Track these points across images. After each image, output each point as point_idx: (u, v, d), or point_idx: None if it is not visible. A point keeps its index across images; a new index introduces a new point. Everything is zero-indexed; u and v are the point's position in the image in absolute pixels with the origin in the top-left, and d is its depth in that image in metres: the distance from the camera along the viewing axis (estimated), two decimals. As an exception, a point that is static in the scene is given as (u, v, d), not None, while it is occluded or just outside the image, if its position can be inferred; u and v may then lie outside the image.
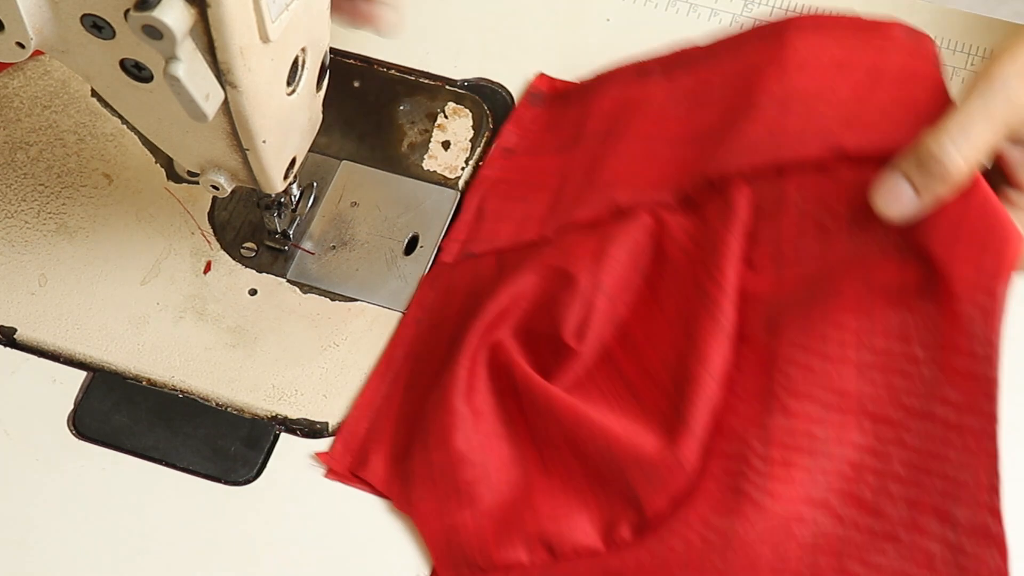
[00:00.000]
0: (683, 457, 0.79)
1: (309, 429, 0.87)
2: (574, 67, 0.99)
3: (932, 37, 0.87)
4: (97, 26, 0.71)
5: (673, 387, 0.81)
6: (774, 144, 0.83)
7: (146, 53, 0.71)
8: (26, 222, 0.94)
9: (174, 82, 0.67)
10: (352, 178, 0.95)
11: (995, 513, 0.74)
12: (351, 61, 1.00)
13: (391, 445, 0.85)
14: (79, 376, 0.88)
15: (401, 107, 0.98)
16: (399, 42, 1.00)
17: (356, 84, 0.99)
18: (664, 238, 0.85)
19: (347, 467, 0.84)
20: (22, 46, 0.72)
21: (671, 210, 0.86)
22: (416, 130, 0.97)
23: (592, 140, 0.93)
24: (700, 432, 0.79)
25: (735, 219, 0.83)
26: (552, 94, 0.98)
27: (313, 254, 0.93)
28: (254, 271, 0.92)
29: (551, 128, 0.96)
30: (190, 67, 0.67)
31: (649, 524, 0.79)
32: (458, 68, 1.00)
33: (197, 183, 0.83)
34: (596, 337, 0.83)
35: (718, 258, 0.83)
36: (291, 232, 0.93)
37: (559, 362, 0.83)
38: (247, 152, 0.78)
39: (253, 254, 0.93)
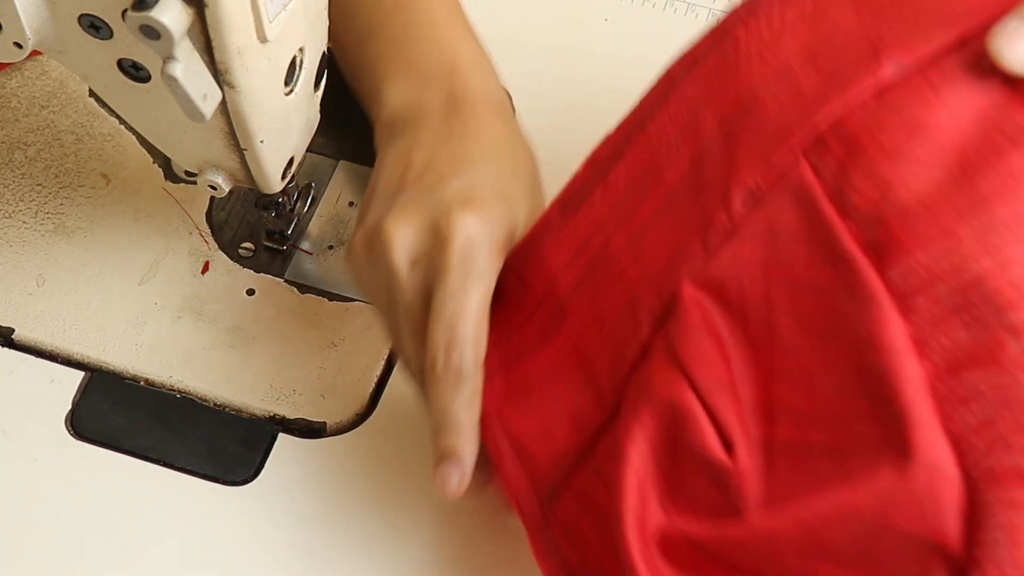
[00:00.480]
0: None
1: (307, 429, 0.87)
2: (572, 66, 0.99)
3: None
4: (95, 26, 0.71)
5: None
6: None
7: (143, 53, 0.71)
8: (24, 222, 0.94)
9: (172, 82, 0.67)
10: (350, 178, 0.95)
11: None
12: (349, 61, 1.00)
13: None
14: (77, 376, 0.88)
15: (399, 107, 0.98)
16: (397, 42, 1.00)
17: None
18: None
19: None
20: (20, 46, 0.72)
21: None
22: (414, 130, 0.97)
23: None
24: None
25: None
26: None
27: (311, 254, 0.93)
28: (252, 271, 0.92)
29: None
30: (187, 67, 0.67)
31: None
32: (456, 68, 1.00)
33: (195, 183, 0.83)
34: None
35: None
36: (289, 232, 0.93)
37: None
38: (245, 152, 0.78)
39: (251, 254, 0.93)
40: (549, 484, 0.70)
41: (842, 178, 0.61)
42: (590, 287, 0.70)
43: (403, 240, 0.74)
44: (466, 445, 0.72)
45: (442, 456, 0.72)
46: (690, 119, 0.68)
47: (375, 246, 0.75)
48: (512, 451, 0.72)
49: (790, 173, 0.62)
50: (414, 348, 0.75)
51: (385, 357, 0.89)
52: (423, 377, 0.73)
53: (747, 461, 0.62)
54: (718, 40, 0.70)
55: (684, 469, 0.64)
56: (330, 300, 0.91)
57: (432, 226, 0.74)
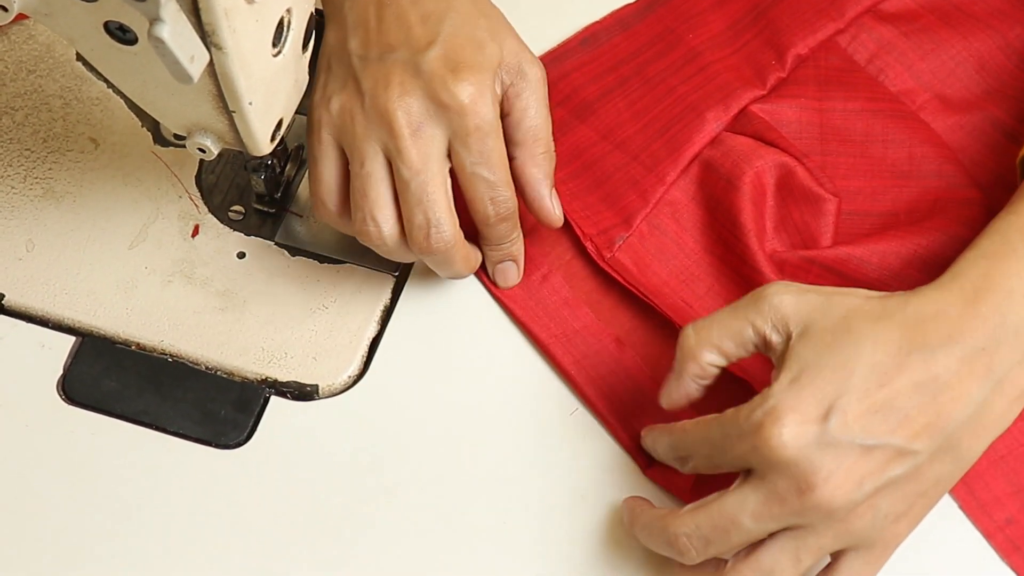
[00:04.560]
0: None
1: (299, 392, 0.87)
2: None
3: None
4: (80, -12, 0.70)
5: None
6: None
7: (130, 15, 0.71)
8: (12, 187, 0.93)
9: (158, 44, 0.67)
10: (339, 140, 0.95)
11: None
12: (337, 22, 1.00)
13: None
14: (68, 341, 0.88)
15: (388, 68, 0.98)
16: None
17: (342, 45, 0.99)
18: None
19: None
20: (5, 9, 0.71)
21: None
22: (403, 91, 0.97)
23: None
24: None
25: None
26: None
27: (301, 216, 0.93)
28: (242, 234, 0.92)
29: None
30: (174, 29, 0.67)
31: None
32: (445, 28, 0.99)
33: (184, 146, 0.83)
34: None
35: None
36: (279, 195, 0.92)
37: None
38: (233, 114, 0.78)
39: (241, 217, 0.93)
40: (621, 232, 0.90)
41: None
42: (622, 94, 0.94)
43: (405, 111, 0.81)
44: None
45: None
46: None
47: (373, 118, 0.82)
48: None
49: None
50: (427, 203, 0.82)
51: (377, 319, 0.89)
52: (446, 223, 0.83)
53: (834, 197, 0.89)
54: None
55: (792, 207, 0.89)
56: (321, 262, 0.91)
57: (433, 96, 0.81)
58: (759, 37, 0.94)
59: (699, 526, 0.74)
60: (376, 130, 0.82)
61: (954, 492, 0.82)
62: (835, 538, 0.73)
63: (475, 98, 0.82)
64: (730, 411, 0.75)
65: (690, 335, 0.78)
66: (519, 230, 0.87)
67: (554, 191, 0.86)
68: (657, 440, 0.81)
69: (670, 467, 0.81)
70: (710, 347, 0.77)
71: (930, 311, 0.74)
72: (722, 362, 0.77)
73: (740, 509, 0.73)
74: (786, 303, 0.75)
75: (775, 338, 0.75)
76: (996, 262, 0.75)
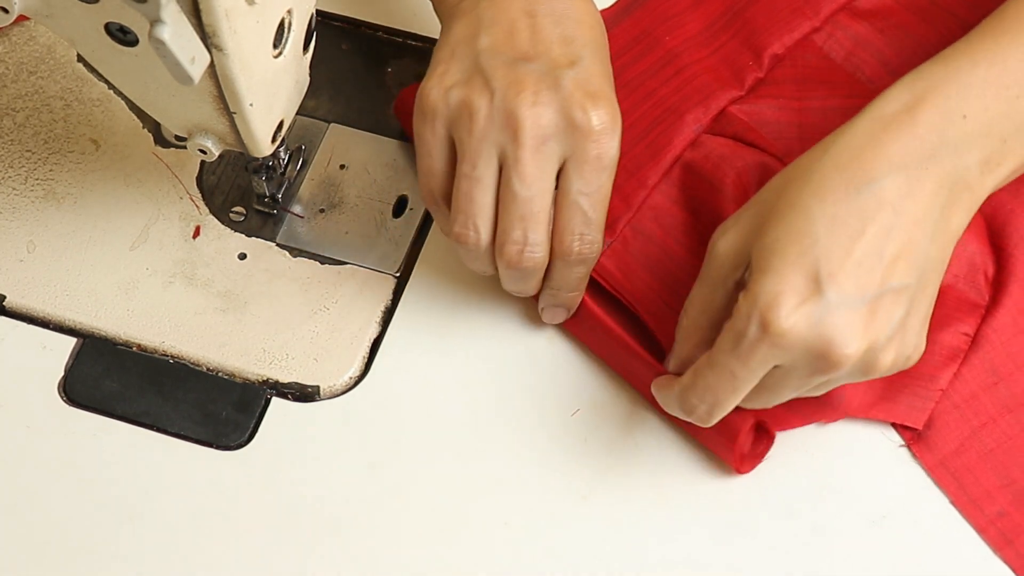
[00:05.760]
0: None
1: (300, 393, 0.87)
2: None
3: None
4: (81, -10, 0.70)
5: None
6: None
7: (131, 16, 0.71)
8: (14, 188, 0.93)
9: (159, 45, 0.67)
10: (340, 141, 0.95)
11: None
12: (338, 23, 1.00)
13: None
14: (69, 342, 0.88)
15: (389, 69, 0.98)
16: (386, 4, 1.00)
17: (344, 46, 0.99)
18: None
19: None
20: (6, 11, 0.71)
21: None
22: (404, 92, 0.97)
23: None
24: None
25: None
26: None
27: (302, 217, 0.93)
28: (243, 235, 0.92)
29: None
30: (175, 30, 0.67)
31: None
32: (446, 29, 0.99)
33: (185, 148, 0.83)
34: None
35: None
36: (280, 196, 0.92)
37: None
38: (234, 115, 0.78)
39: (242, 218, 0.93)
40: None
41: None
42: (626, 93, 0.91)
43: (535, 121, 0.80)
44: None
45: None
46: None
47: (499, 119, 0.80)
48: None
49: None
50: (527, 215, 0.80)
51: (378, 320, 0.89)
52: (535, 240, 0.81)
53: None
54: None
55: None
56: (322, 263, 0.91)
57: (566, 113, 0.80)
58: (736, 38, 0.94)
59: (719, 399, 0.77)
60: (498, 132, 0.80)
61: (944, 487, 0.82)
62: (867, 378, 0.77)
63: (607, 128, 0.80)
64: (725, 335, 0.75)
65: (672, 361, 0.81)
66: (586, 282, 0.86)
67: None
68: (667, 397, 0.80)
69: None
70: (695, 341, 0.80)
71: (860, 142, 0.76)
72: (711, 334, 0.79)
73: (783, 384, 0.76)
74: (727, 244, 0.77)
75: (740, 275, 0.77)
76: (936, 82, 0.77)
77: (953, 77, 0.77)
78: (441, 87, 0.82)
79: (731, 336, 0.74)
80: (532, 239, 0.80)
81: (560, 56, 0.82)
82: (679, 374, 0.80)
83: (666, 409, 0.81)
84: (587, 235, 0.82)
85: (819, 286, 0.73)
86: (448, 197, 0.83)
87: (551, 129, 0.80)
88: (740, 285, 0.77)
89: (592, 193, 0.81)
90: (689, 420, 0.79)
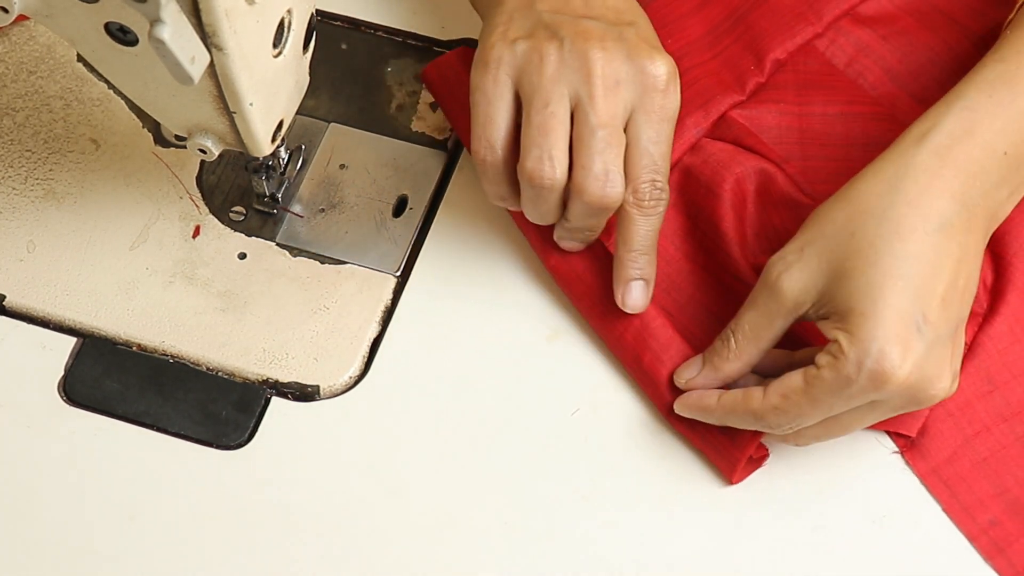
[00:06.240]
0: None
1: (300, 392, 0.87)
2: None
3: None
4: (81, -11, 0.70)
5: None
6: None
7: (131, 16, 0.71)
8: (13, 188, 0.93)
9: (159, 45, 0.67)
10: (340, 140, 0.95)
11: None
12: (338, 23, 1.00)
13: None
14: (69, 342, 0.88)
15: (389, 69, 0.98)
16: (386, 3, 1.00)
17: (343, 46, 0.99)
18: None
19: None
20: (6, 11, 0.71)
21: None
22: (404, 92, 0.97)
23: None
24: None
25: None
26: None
27: (302, 217, 0.93)
28: (243, 235, 0.92)
29: None
30: (175, 30, 0.67)
31: None
32: (445, 29, 0.99)
33: (185, 147, 0.83)
34: None
35: None
36: (280, 195, 0.92)
37: None
38: (234, 115, 0.78)
39: (242, 218, 0.93)
40: None
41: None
42: None
43: (608, 62, 0.81)
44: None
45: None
46: (699, 2, 0.96)
47: (571, 61, 0.81)
48: None
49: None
50: (608, 160, 0.81)
51: (378, 320, 0.89)
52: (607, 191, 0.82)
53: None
54: None
55: (772, 213, 0.87)
56: (322, 263, 0.91)
57: (635, 60, 0.82)
58: (738, 42, 0.94)
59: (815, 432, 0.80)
60: (571, 74, 0.81)
61: (936, 495, 0.82)
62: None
63: (671, 78, 0.82)
64: (828, 374, 0.76)
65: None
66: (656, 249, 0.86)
67: None
68: (737, 419, 0.81)
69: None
70: (739, 365, 0.81)
71: (926, 179, 0.77)
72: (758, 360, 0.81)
73: (866, 419, 0.79)
74: (794, 281, 0.78)
75: (805, 311, 0.78)
76: (982, 115, 0.79)
77: (998, 112, 0.79)
78: (506, 40, 0.83)
79: (838, 379, 0.76)
80: (613, 171, 0.81)
81: (621, 14, 0.84)
82: (711, 387, 0.82)
83: (693, 415, 0.82)
84: (658, 181, 0.83)
85: (919, 329, 0.75)
86: (506, 148, 0.83)
87: (622, 73, 0.81)
88: (803, 319, 0.78)
89: (661, 142, 0.83)
90: (758, 430, 0.80)
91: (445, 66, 0.94)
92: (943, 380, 0.76)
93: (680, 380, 0.83)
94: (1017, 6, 0.84)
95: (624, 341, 0.86)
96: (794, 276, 0.78)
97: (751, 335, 0.80)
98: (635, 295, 0.85)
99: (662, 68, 0.82)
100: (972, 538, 0.81)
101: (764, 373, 0.82)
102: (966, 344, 0.84)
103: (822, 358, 0.76)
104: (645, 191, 0.83)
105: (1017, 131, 0.79)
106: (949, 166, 0.77)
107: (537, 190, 0.82)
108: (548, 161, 0.81)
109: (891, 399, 0.76)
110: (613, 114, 0.81)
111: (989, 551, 0.81)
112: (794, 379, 0.77)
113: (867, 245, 0.76)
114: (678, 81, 0.83)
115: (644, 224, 0.84)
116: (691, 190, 0.89)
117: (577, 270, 0.88)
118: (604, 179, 0.81)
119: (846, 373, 0.75)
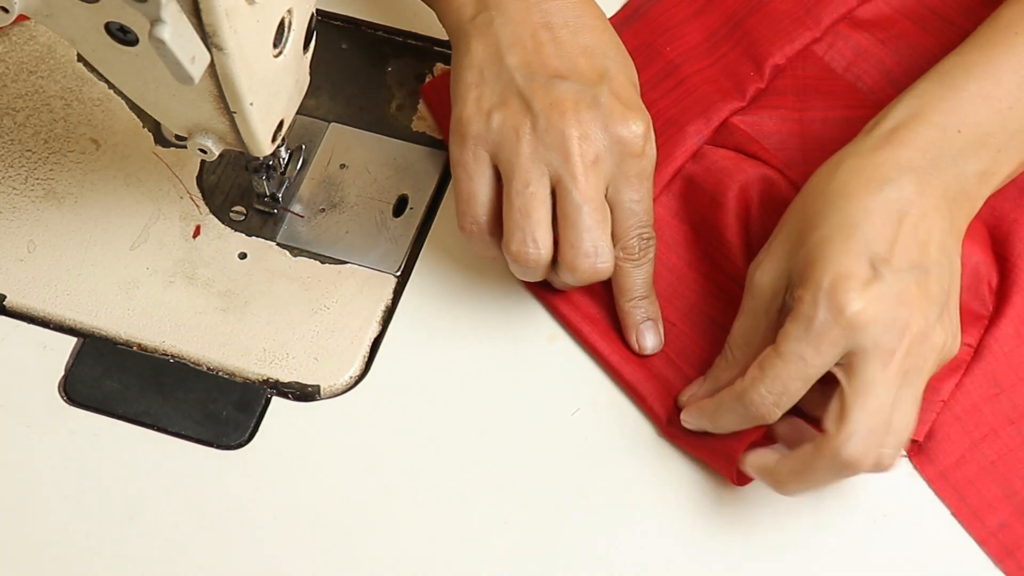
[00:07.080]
0: None
1: (301, 392, 0.87)
2: None
3: None
4: (81, -11, 0.70)
5: None
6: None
7: (131, 16, 0.71)
8: (14, 188, 0.93)
9: (159, 45, 0.67)
10: (341, 140, 0.95)
11: None
12: (338, 23, 1.00)
13: None
14: (69, 342, 0.88)
15: (389, 68, 0.98)
16: (386, 3, 1.00)
17: (344, 46, 0.99)
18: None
19: None
20: (6, 11, 0.71)
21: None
22: (404, 91, 0.97)
23: None
24: None
25: None
26: None
27: (303, 217, 0.93)
28: (244, 235, 0.92)
29: None
30: (175, 30, 0.67)
31: None
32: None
33: (185, 147, 0.83)
34: None
35: None
36: (280, 195, 0.92)
37: None
38: (234, 115, 0.78)
39: (242, 218, 0.93)
40: None
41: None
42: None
43: (584, 140, 0.82)
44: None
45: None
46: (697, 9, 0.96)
47: (549, 141, 0.82)
48: None
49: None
50: (592, 223, 0.82)
51: (378, 319, 0.89)
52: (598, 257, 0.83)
53: None
54: None
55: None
56: (323, 263, 0.91)
57: (611, 130, 0.82)
58: (736, 48, 0.94)
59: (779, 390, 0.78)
60: (548, 153, 0.82)
61: (945, 499, 0.82)
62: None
63: (647, 136, 0.83)
64: (791, 324, 0.76)
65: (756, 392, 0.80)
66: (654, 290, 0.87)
67: None
68: (726, 409, 0.81)
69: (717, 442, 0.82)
70: (736, 372, 0.81)
71: (869, 152, 0.79)
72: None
73: (864, 370, 0.77)
74: (764, 273, 0.80)
75: (783, 299, 0.79)
76: (932, 99, 0.81)
77: (949, 94, 0.80)
78: (480, 112, 0.83)
79: (799, 323, 0.76)
80: (601, 248, 0.82)
81: (588, 71, 0.83)
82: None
83: (697, 423, 0.82)
84: (644, 232, 0.84)
85: (875, 268, 0.76)
86: (490, 220, 0.84)
87: (600, 146, 0.82)
88: (783, 311, 0.79)
89: (643, 199, 0.84)
90: (748, 420, 0.79)
91: (442, 85, 0.94)
92: (919, 321, 0.76)
93: (683, 398, 0.84)
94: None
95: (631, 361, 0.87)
96: (765, 268, 0.80)
97: (742, 341, 0.81)
98: (648, 337, 0.87)
99: (637, 130, 0.83)
100: (981, 541, 0.81)
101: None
102: (972, 347, 0.84)
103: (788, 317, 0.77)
104: (634, 246, 0.85)
105: (973, 112, 0.80)
106: (893, 144, 0.79)
107: (523, 267, 0.83)
108: (532, 243, 0.82)
109: (863, 340, 0.75)
110: (596, 188, 0.82)
111: (999, 554, 0.81)
112: (768, 349, 0.78)
113: (815, 212, 0.78)
114: (652, 134, 0.84)
115: (638, 274, 0.86)
116: (694, 199, 0.89)
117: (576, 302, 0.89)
118: (594, 256, 0.82)
119: (805, 314, 0.75)
